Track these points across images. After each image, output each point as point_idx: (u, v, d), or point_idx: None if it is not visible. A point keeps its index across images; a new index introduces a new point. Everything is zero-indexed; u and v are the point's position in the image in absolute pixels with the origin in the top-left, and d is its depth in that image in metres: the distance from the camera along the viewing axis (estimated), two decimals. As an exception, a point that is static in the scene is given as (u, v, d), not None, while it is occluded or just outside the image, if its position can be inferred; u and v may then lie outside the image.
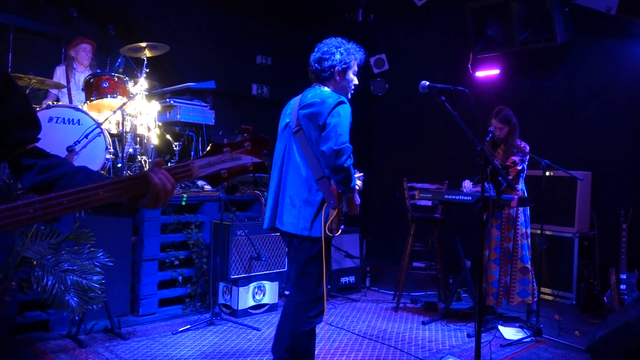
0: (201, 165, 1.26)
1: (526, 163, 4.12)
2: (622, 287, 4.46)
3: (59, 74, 5.05)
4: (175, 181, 1.25)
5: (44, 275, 3.02)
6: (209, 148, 1.30)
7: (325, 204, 2.60)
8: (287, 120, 2.72)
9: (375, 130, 7.26)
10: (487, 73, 5.93)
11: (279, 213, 2.71)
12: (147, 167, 4.43)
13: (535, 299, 4.09)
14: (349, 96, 2.79)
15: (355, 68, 2.78)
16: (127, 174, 4.21)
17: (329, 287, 5.04)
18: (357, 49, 2.76)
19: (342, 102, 2.59)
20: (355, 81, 2.81)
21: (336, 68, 2.68)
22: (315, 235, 2.60)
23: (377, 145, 7.24)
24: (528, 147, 4.15)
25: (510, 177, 4.00)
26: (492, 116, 4.14)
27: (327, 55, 2.67)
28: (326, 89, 2.70)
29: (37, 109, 3.87)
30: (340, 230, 2.62)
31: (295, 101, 2.74)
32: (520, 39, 5.32)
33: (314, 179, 2.60)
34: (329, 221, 2.59)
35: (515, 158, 4.08)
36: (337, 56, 2.67)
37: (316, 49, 2.73)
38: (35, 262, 3.07)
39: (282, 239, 2.85)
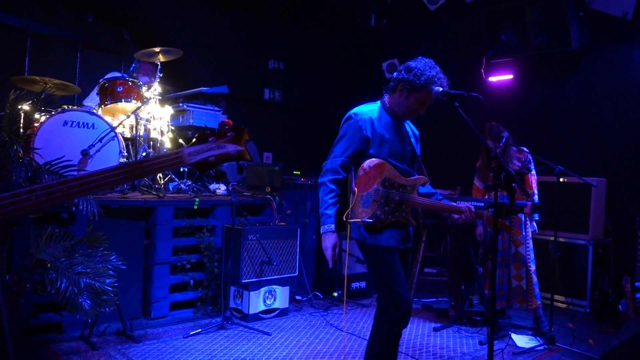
0: (190, 152, 1.38)
1: (532, 164, 4.17)
2: (638, 295, 4.38)
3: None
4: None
5: (57, 277, 3.04)
6: (195, 138, 1.41)
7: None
8: None
9: (387, 135, 7.23)
10: (501, 78, 5.89)
11: None
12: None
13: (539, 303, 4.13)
14: (405, 115, 2.74)
15: (426, 97, 2.59)
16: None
17: (339, 292, 5.03)
18: (441, 77, 2.58)
19: (349, 118, 2.62)
20: (419, 109, 2.66)
21: (401, 84, 2.59)
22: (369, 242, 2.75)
23: (389, 150, 7.21)
24: (525, 149, 4.18)
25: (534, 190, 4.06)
26: (486, 135, 3.98)
27: (417, 70, 2.57)
28: (379, 101, 2.72)
29: (52, 112, 3.92)
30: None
31: None
32: (535, 44, 5.28)
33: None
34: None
35: (517, 164, 4.11)
36: (410, 75, 2.57)
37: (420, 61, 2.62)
38: (49, 265, 3.10)
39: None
